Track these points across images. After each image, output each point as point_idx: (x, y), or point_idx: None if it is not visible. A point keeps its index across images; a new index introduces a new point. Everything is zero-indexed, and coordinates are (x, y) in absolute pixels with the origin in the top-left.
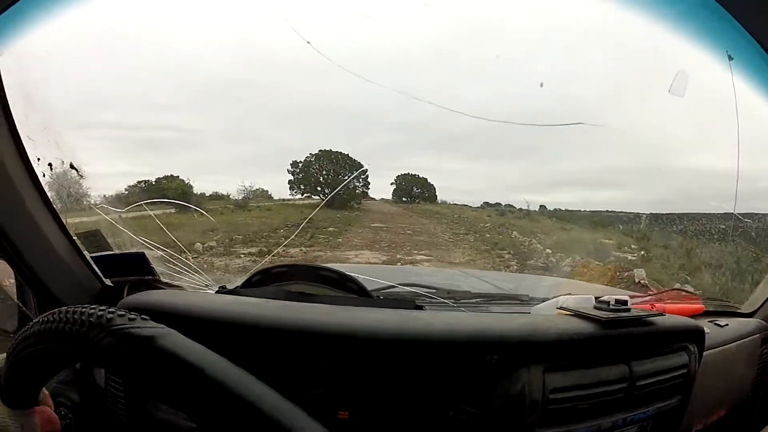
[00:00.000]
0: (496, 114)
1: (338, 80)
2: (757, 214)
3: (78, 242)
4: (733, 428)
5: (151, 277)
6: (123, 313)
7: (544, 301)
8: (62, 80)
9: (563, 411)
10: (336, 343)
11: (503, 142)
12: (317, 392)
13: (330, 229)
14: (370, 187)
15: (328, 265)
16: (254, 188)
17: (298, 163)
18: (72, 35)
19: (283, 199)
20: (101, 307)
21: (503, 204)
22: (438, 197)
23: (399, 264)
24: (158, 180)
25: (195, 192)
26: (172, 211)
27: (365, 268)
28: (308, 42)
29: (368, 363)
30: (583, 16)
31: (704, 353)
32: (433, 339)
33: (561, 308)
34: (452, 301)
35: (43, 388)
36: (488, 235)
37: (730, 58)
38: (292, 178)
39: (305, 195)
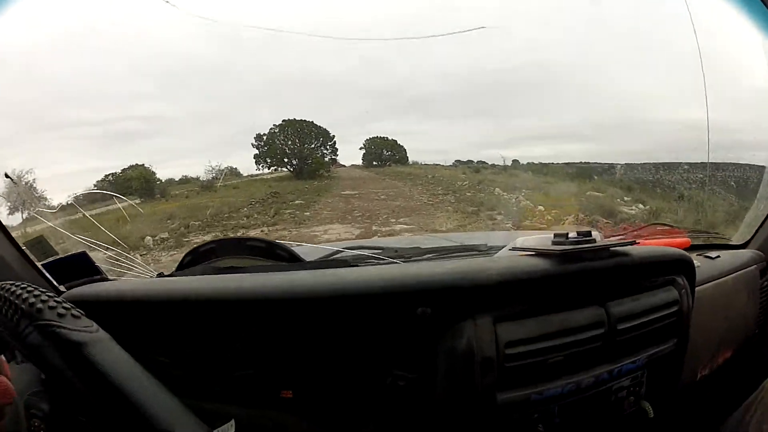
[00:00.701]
0: (466, 73)
1: (304, 50)
2: (731, 164)
3: (28, 253)
4: (743, 370)
5: (99, 276)
6: (55, 304)
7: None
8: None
9: (528, 368)
10: (247, 310)
11: (471, 100)
12: (248, 372)
13: (297, 202)
14: (338, 154)
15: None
16: (222, 167)
17: (262, 136)
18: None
19: (251, 175)
20: (38, 291)
21: (475, 161)
22: (409, 159)
23: (376, 237)
24: (123, 171)
25: (159, 178)
26: (137, 201)
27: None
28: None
29: (284, 329)
30: None
31: (699, 287)
32: (348, 293)
33: (514, 248)
34: (401, 259)
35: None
36: (469, 194)
37: None
38: (257, 152)
39: (272, 168)
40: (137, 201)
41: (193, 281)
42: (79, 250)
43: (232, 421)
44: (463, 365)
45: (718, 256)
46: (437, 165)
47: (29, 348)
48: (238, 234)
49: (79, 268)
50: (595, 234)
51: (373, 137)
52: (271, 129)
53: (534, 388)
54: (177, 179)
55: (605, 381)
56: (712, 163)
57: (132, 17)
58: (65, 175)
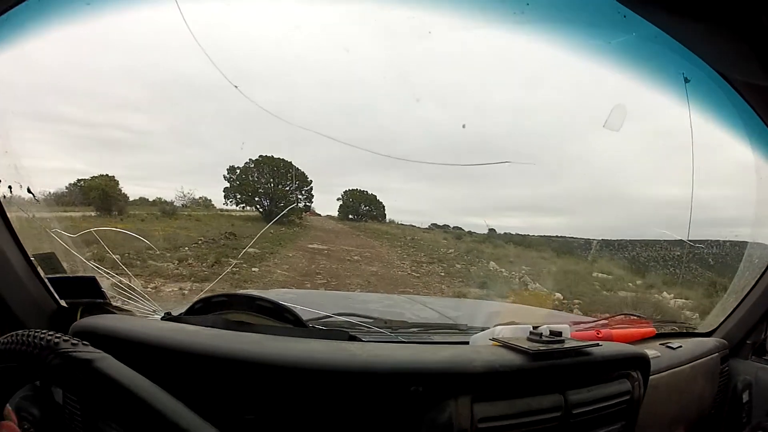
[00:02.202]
0: (447, 137)
1: (293, 92)
2: (708, 240)
3: (35, 264)
4: None
5: (102, 300)
6: (68, 338)
7: (483, 330)
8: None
9: None
10: (266, 373)
11: (452, 164)
12: (249, 417)
13: (250, 250)
14: (313, 200)
15: (265, 295)
16: (193, 196)
17: (235, 169)
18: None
19: (220, 210)
20: (50, 333)
21: (451, 226)
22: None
23: (358, 290)
24: (92, 178)
25: (121, 195)
26: (92, 214)
27: (304, 293)
28: (236, 87)
29: (298, 392)
30: (541, 51)
31: (656, 376)
32: (358, 370)
33: (494, 339)
34: (389, 330)
35: (7, 405)
36: (459, 266)
37: (686, 80)
38: (228, 185)
39: (239, 206)
40: (92, 213)
41: (206, 335)
42: (89, 274)
43: None
44: None
45: (680, 346)
46: (412, 226)
47: (52, 370)
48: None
49: (85, 289)
50: (565, 330)
51: (352, 189)
52: (246, 163)
53: None
54: (150, 199)
55: None
56: (696, 240)
57: (136, 26)
58: (42, 170)
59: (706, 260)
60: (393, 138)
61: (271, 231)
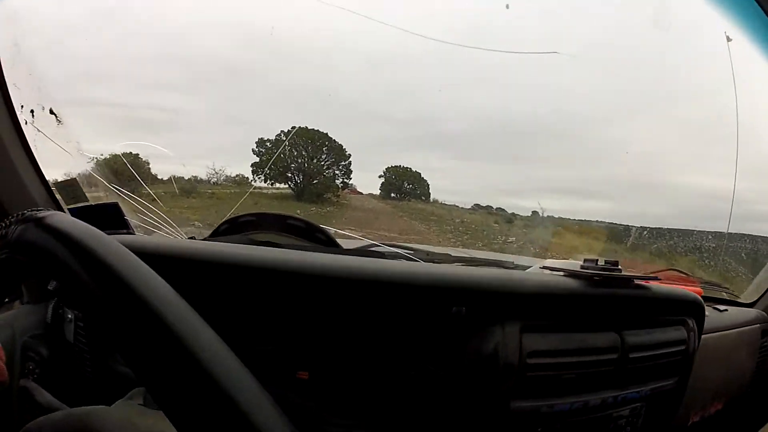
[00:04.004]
0: (491, 118)
1: (335, 69)
2: (749, 235)
3: (57, 194)
4: (731, 424)
5: (125, 230)
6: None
7: (532, 267)
8: (53, 45)
9: (544, 380)
10: (285, 282)
11: (494, 144)
12: (268, 347)
13: None
14: (352, 177)
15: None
16: (225, 173)
17: (265, 141)
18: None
19: (254, 188)
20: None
21: (494, 207)
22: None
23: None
24: (112, 156)
25: (140, 171)
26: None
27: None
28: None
29: (323, 308)
30: (587, 28)
31: (706, 335)
32: (393, 280)
33: (545, 267)
34: (433, 262)
35: None
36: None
37: (729, 39)
38: (257, 159)
39: (269, 182)
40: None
41: (239, 248)
42: (111, 201)
43: None
44: (487, 368)
45: (726, 310)
46: (456, 206)
47: (13, 243)
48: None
49: (108, 219)
50: (618, 262)
51: (394, 166)
52: (277, 135)
53: (545, 401)
54: (186, 177)
55: (609, 405)
56: (730, 233)
57: (175, 19)
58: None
59: (740, 255)
60: (436, 117)
61: (298, 211)
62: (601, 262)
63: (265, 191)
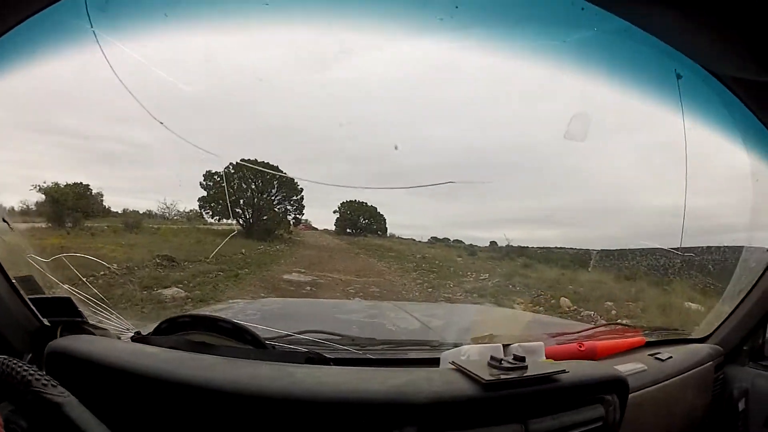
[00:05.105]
0: (451, 152)
1: (295, 109)
2: (704, 248)
3: (17, 285)
4: None
5: (80, 319)
6: (40, 377)
7: (455, 346)
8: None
9: None
10: (214, 399)
11: (454, 177)
12: None
13: (194, 282)
14: (304, 212)
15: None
16: (177, 207)
17: (213, 174)
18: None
19: (203, 224)
20: (26, 367)
21: (451, 239)
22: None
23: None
24: (54, 185)
25: (85, 204)
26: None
27: (289, 302)
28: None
29: (240, 419)
30: (540, 69)
31: (641, 392)
32: (297, 398)
33: (453, 362)
34: (356, 348)
35: None
36: (509, 298)
37: (679, 76)
38: (204, 194)
39: (216, 218)
40: (41, 225)
41: (172, 359)
42: (65, 295)
43: None
44: None
45: (670, 357)
46: (413, 240)
47: (26, 405)
48: None
49: (63, 308)
50: (537, 350)
51: (350, 201)
52: (225, 168)
53: None
54: (141, 212)
55: None
56: (689, 247)
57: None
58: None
59: (706, 267)
60: (392, 154)
61: (243, 251)
62: (516, 348)
63: (214, 227)
